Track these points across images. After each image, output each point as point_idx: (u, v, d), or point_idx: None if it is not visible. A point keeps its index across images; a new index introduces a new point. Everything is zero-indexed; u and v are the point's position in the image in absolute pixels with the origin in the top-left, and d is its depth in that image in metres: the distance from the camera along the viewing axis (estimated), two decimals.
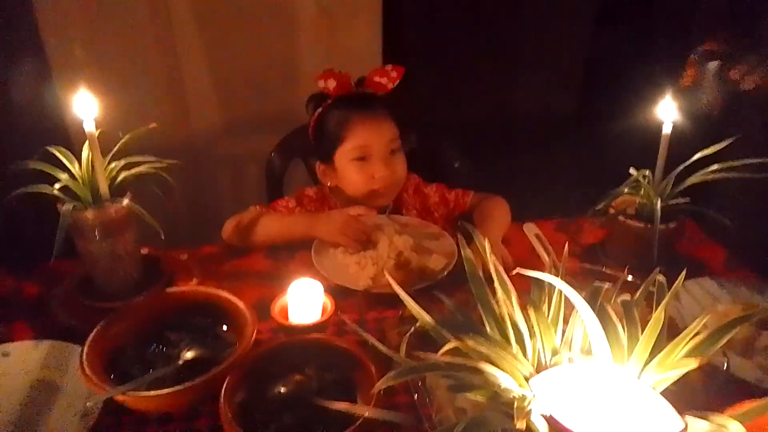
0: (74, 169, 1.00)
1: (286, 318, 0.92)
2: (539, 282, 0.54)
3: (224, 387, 0.78)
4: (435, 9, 2.03)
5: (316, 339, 0.88)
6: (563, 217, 1.35)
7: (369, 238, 1.16)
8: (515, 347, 0.50)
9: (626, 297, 0.55)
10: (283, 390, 0.80)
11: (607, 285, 0.55)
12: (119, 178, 1.02)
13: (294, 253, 1.21)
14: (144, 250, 1.12)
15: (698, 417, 0.45)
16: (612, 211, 1.15)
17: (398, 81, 1.30)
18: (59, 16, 1.66)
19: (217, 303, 0.95)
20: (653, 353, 0.49)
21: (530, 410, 0.42)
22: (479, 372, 0.45)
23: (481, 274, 0.53)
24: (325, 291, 0.96)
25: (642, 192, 1.11)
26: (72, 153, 1.01)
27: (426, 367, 0.48)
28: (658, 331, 0.49)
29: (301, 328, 0.91)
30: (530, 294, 0.54)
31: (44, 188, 0.97)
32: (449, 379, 0.46)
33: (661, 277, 0.55)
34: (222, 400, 0.76)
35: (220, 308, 0.95)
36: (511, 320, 0.50)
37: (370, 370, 0.81)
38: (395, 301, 0.57)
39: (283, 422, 0.77)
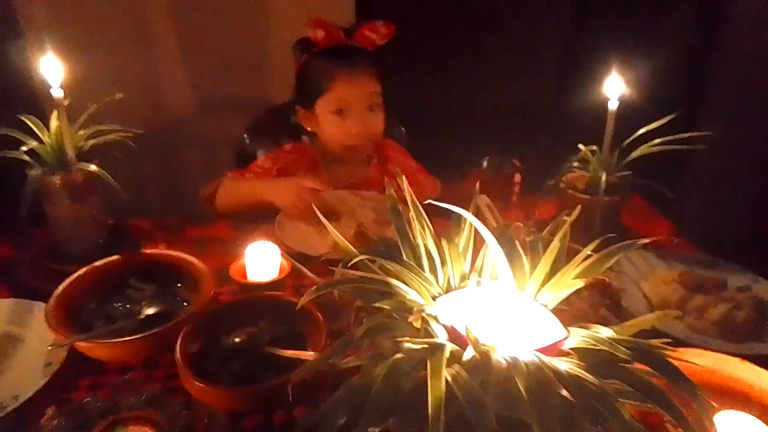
0: (43, 136, 1.04)
1: (244, 277, 0.97)
2: (458, 219, 0.59)
3: (180, 337, 0.82)
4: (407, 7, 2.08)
5: (269, 295, 0.93)
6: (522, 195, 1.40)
7: (325, 211, 1.21)
8: (428, 272, 0.55)
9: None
10: (236, 340, 0.85)
11: (518, 224, 0.60)
12: (87, 146, 1.06)
13: (260, 224, 1.25)
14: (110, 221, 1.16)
15: (580, 327, 0.50)
16: (563, 186, 1.20)
17: (388, 38, 1.34)
18: None
19: (178, 265, 1.00)
20: (550, 277, 0.54)
21: (426, 311, 0.47)
22: (389, 286, 0.50)
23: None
24: (285, 256, 1.00)
25: (590, 167, 1.17)
26: (42, 120, 1.05)
27: (340, 282, 0.53)
28: (554, 257, 0.54)
29: (256, 286, 0.96)
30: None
31: (13, 153, 1.01)
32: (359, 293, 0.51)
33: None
34: (177, 349, 0.81)
35: (180, 270, 1.00)
36: (425, 249, 0.56)
37: (321, 323, 0.86)
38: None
39: (233, 369, 0.81)
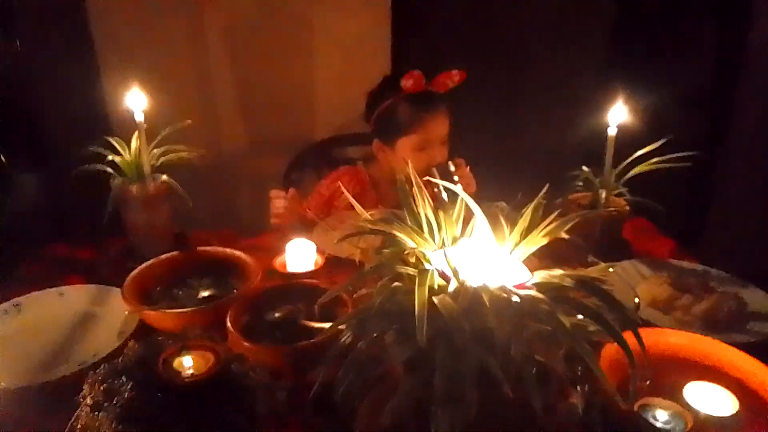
0: (124, 153, 1.25)
1: (285, 269, 1.14)
2: (452, 195, 0.75)
3: (231, 311, 0.99)
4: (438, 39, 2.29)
5: (306, 282, 1.09)
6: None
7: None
8: (426, 234, 0.70)
9: None
10: (277, 315, 1.01)
11: (501, 204, 0.76)
12: (158, 163, 1.27)
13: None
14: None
15: (544, 271, 0.64)
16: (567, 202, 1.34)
17: (459, 83, 1.52)
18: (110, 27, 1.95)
19: (230, 260, 1.18)
20: (522, 239, 0.69)
21: (423, 253, 0.63)
22: (394, 236, 0.66)
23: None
24: (320, 251, 1.17)
25: (592, 186, 1.31)
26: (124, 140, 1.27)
27: (361, 231, 0.69)
28: (527, 224, 0.69)
29: (295, 275, 1.12)
30: None
31: (101, 167, 1.23)
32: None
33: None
34: (228, 319, 0.97)
35: (231, 264, 1.18)
36: (425, 216, 0.71)
37: (348, 305, 1.01)
38: None
39: (275, 336, 0.97)
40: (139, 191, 1.23)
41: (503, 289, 0.59)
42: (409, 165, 0.74)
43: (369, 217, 0.74)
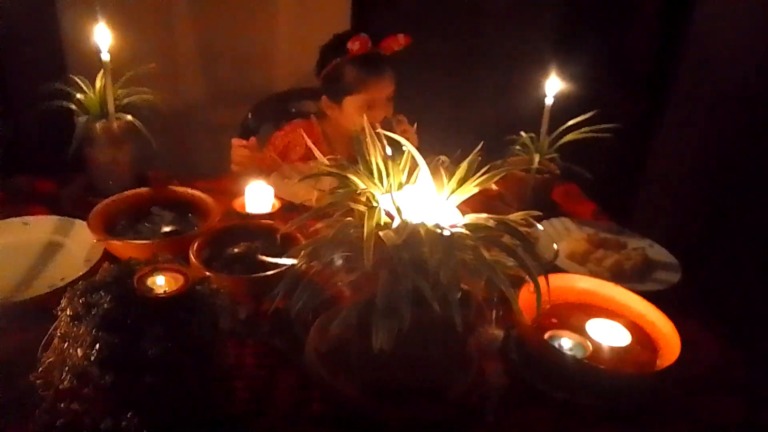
0: (89, 91, 1.29)
1: (244, 209, 1.23)
2: (399, 147, 0.85)
3: (194, 245, 1.08)
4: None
5: (263, 223, 1.19)
6: None
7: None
8: (376, 179, 0.81)
9: None
10: (236, 251, 1.10)
11: (443, 157, 0.87)
12: (123, 103, 1.32)
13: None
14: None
15: (473, 215, 0.76)
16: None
17: (404, 46, 1.61)
18: None
19: (191, 199, 1.26)
20: (458, 187, 0.80)
21: (373, 194, 0.74)
22: (346, 179, 0.77)
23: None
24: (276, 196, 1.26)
25: (529, 151, 1.44)
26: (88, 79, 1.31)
27: (315, 174, 0.79)
28: (462, 174, 0.80)
29: (253, 216, 1.22)
30: None
31: (66, 104, 1.27)
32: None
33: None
34: (191, 252, 1.06)
35: (192, 203, 1.26)
36: (375, 164, 0.82)
37: (301, 244, 1.11)
38: None
39: (234, 269, 1.07)
40: (103, 129, 1.28)
41: (437, 225, 0.71)
42: (364, 118, 0.84)
43: (327, 162, 0.84)
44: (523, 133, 1.45)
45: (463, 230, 0.72)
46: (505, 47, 2.53)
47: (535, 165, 1.39)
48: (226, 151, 1.57)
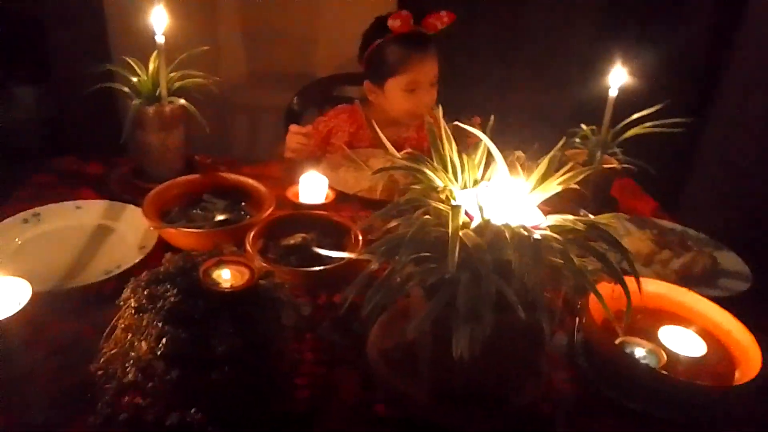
0: (142, 74, 1.27)
1: (297, 198, 1.20)
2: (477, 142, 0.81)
3: (249, 235, 1.05)
4: None
5: (318, 214, 1.16)
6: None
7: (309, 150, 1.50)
8: (450, 175, 0.77)
9: None
10: (291, 242, 1.08)
11: (518, 153, 0.83)
12: (175, 87, 1.29)
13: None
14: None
15: (558, 215, 0.72)
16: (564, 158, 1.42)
17: (448, 25, 1.55)
18: None
19: (244, 187, 1.23)
20: (539, 185, 0.76)
21: (452, 191, 0.70)
22: (422, 173, 0.73)
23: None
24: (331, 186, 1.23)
25: (588, 144, 1.38)
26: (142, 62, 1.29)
27: (394, 167, 0.75)
28: (544, 171, 0.76)
29: (307, 206, 1.18)
30: None
31: (119, 86, 1.25)
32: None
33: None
34: (247, 242, 1.03)
35: (246, 191, 1.23)
36: (450, 160, 0.78)
37: (357, 237, 1.08)
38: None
39: (289, 261, 1.04)
40: (155, 113, 1.26)
41: (524, 227, 0.66)
42: (440, 109, 0.80)
43: (399, 156, 0.80)
44: (583, 126, 1.39)
45: (550, 232, 0.68)
46: (551, 32, 2.46)
47: (599, 159, 1.33)
48: (265, 133, 1.55)
